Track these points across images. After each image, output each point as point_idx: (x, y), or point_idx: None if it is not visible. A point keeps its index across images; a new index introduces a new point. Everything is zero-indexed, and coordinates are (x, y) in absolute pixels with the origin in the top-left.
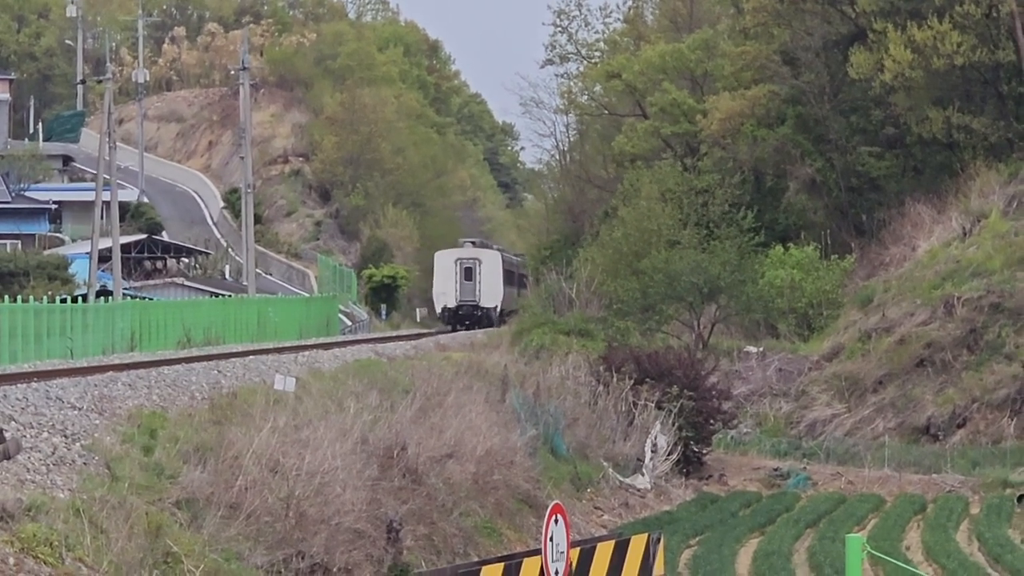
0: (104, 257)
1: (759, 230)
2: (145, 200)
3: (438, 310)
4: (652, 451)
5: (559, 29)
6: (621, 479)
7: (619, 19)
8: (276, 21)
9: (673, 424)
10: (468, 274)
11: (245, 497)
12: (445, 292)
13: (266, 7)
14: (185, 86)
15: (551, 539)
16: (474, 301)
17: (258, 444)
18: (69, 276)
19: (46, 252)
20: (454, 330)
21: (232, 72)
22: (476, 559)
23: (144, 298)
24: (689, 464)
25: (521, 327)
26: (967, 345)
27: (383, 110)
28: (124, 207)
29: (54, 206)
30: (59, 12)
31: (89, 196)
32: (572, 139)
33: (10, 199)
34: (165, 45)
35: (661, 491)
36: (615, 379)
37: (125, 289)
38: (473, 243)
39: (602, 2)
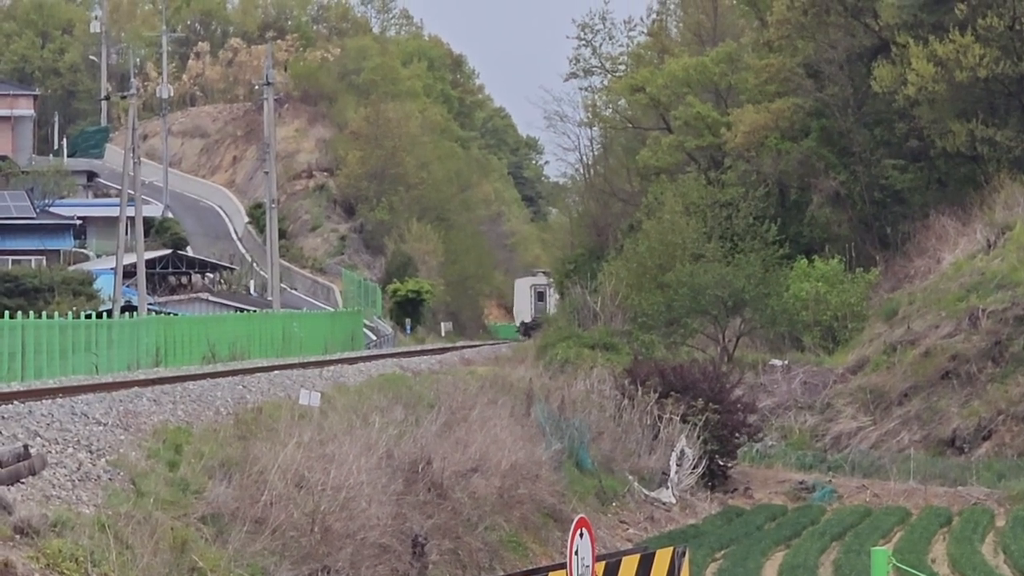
0: (129, 272)
1: (783, 243)
2: (170, 215)
3: (517, 323)
4: (677, 465)
5: (583, 43)
6: (646, 493)
7: (643, 32)
8: (300, 36)
9: (698, 437)
10: (540, 296)
11: (270, 512)
12: (522, 310)
13: (290, 22)
14: (209, 101)
15: (576, 553)
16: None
17: (283, 459)
18: (94, 292)
19: (71, 268)
20: (529, 338)
21: (256, 87)
22: (502, 573)
23: (169, 313)
24: (714, 478)
25: (546, 341)
26: (992, 357)
27: (407, 124)
28: (149, 222)
29: (79, 222)
30: (83, 28)
31: (114, 212)
32: (596, 153)
33: (35, 215)
34: (189, 61)
35: (686, 505)
36: (640, 392)
37: (150, 304)
38: (545, 273)
39: (626, 15)
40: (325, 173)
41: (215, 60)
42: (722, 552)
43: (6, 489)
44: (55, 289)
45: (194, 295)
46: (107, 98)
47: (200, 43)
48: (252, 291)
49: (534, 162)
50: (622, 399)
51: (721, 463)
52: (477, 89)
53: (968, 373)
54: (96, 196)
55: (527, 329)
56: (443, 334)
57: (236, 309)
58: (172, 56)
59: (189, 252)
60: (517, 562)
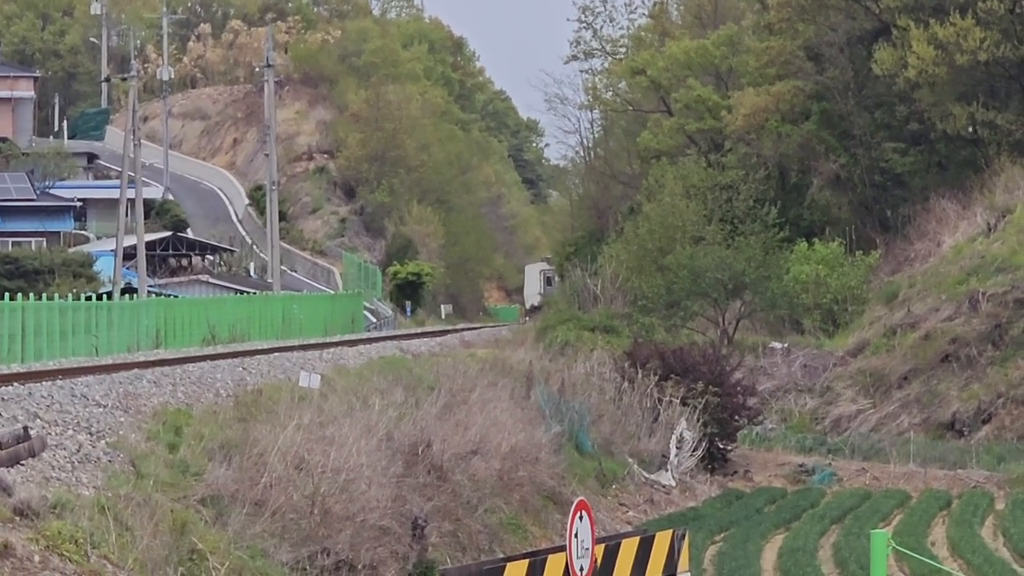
0: (129, 255)
1: (784, 226)
2: (170, 197)
3: (527, 306)
4: (677, 447)
5: (584, 25)
6: (646, 475)
7: (644, 15)
8: (301, 18)
9: (698, 420)
10: (548, 282)
11: (270, 494)
12: (531, 294)
13: (291, 4)
14: (210, 83)
15: (576, 536)
16: None
17: (283, 441)
18: (94, 274)
19: (71, 250)
20: None
21: (257, 69)
22: (501, 556)
23: (169, 295)
24: (714, 460)
25: (546, 323)
26: (992, 340)
27: (408, 107)
28: (149, 204)
29: (79, 204)
30: (84, 10)
31: (114, 194)
32: (597, 135)
33: (35, 197)
34: (190, 43)
35: (686, 487)
36: (640, 375)
37: (150, 286)
38: (550, 260)
39: None
40: (325, 155)
41: (216, 42)
42: (722, 535)
43: (6, 471)
44: (55, 271)
45: (194, 277)
46: (108, 80)
47: (201, 25)
48: (252, 273)
49: (534, 144)
50: (622, 382)
51: (721, 446)
52: (477, 71)
53: (968, 356)
54: (96, 178)
55: (535, 311)
56: (443, 316)
57: (236, 291)
58: (173, 38)
59: (189, 234)
60: (517, 544)
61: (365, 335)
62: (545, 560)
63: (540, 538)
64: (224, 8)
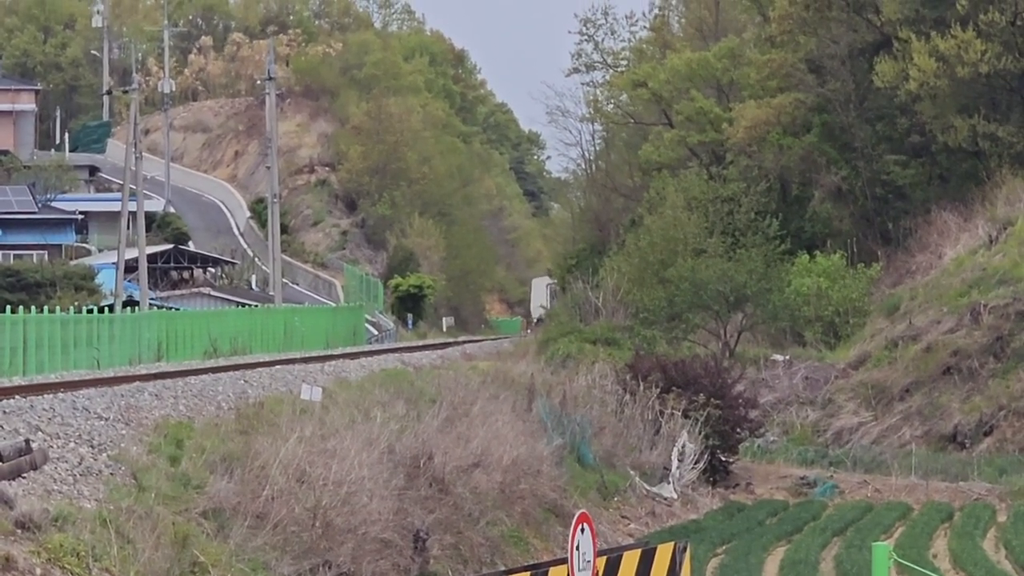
0: (130, 267)
1: (785, 238)
2: (171, 210)
3: (534, 317)
4: (679, 460)
5: (585, 38)
6: (648, 488)
7: (645, 27)
8: (302, 31)
9: (700, 433)
10: (554, 295)
11: (272, 507)
12: (537, 307)
13: (292, 17)
14: (211, 96)
15: (577, 548)
16: None
17: (285, 454)
18: (95, 286)
19: (72, 262)
20: None
21: (258, 82)
22: (503, 568)
23: (170, 308)
24: (716, 473)
25: (548, 336)
26: (994, 353)
27: (409, 119)
28: (150, 217)
29: (80, 216)
30: (85, 23)
31: (115, 206)
32: (598, 148)
33: (37, 209)
34: (191, 55)
35: (688, 500)
36: (641, 388)
37: (151, 299)
38: (551, 273)
39: (628, 10)
40: (327, 168)
41: (217, 55)
42: (723, 547)
43: (8, 484)
44: (57, 284)
45: (196, 290)
46: (109, 93)
47: (202, 37)
48: (254, 286)
49: (536, 157)
50: (624, 394)
51: (722, 458)
52: (479, 84)
53: (969, 368)
54: (98, 191)
55: (540, 323)
56: (445, 329)
57: (238, 304)
58: (174, 51)
59: (191, 247)
60: (518, 557)
61: (367, 348)
62: (546, 572)
63: (542, 551)
64: (225, 21)
